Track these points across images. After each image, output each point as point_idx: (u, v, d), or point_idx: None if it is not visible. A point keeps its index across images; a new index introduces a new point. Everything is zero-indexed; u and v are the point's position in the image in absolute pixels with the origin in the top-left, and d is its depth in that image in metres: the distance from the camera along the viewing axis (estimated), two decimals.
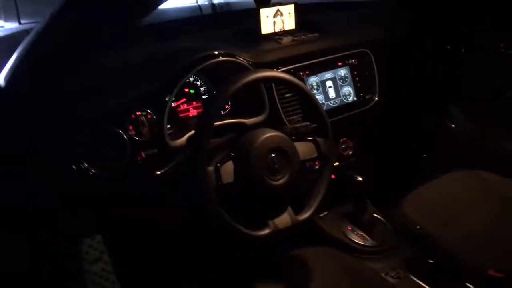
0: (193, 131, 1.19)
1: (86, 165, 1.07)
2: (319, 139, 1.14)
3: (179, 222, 1.41)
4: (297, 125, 1.17)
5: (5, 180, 0.95)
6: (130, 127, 1.12)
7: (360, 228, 1.48)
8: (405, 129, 1.78)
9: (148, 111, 1.14)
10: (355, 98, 1.51)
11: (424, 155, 1.88)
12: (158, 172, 1.16)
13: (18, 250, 1.06)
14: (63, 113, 1.06)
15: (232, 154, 1.05)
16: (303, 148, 1.12)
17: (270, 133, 1.05)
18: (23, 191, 1.01)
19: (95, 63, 1.13)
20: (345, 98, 1.49)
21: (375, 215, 1.53)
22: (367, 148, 1.63)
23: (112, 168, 1.10)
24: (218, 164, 1.02)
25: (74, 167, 1.06)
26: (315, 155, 1.14)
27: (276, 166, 1.03)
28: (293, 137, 1.11)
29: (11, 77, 0.96)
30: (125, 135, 1.10)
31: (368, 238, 1.45)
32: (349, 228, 1.49)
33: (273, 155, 1.03)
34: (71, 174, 1.07)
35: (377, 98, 1.53)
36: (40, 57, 0.98)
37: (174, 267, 1.55)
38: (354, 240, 1.45)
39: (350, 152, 1.58)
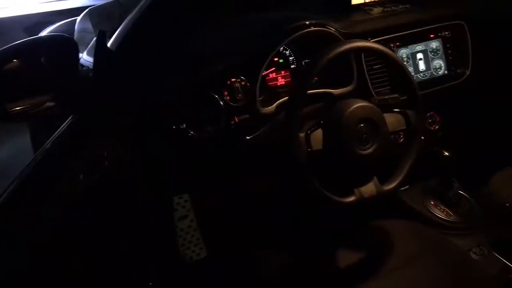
0: (282, 99, 1.23)
1: (184, 126, 1.16)
2: (409, 111, 1.13)
3: (264, 186, 1.47)
4: (386, 97, 1.17)
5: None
6: (226, 93, 1.18)
7: (444, 204, 1.46)
8: (499, 106, 1.69)
9: (242, 77, 1.19)
10: (445, 72, 1.46)
11: None
12: (248, 137, 1.21)
13: (134, 201, 1.17)
14: (165, 76, 1.14)
15: (322, 122, 1.08)
16: (392, 120, 1.12)
17: (361, 103, 1.06)
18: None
19: (196, 34, 1.20)
20: (435, 71, 1.45)
21: (460, 192, 1.50)
22: (455, 123, 1.58)
23: (208, 131, 1.17)
24: (308, 132, 1.06)
25: (173, 127, 1.15)
26: (404, 127, 1.14)
27: (365, 136, 1.05)
28: (380, 109, 1.11)
29: (121, 45, 1.04)
30: (221, 100, 1.17)
31: (452, 214, 1.43)
32: (432, 203, 1.47)
33: (362, 125, 1.05)
34: (170, 134, 1.17)
35: (469, 72, 1.47)
36: (148, 28, 1.06)
37: (256, 231, 1.62)
38: (437, 215, 1.43)
39: (437, 127, 1.54)
